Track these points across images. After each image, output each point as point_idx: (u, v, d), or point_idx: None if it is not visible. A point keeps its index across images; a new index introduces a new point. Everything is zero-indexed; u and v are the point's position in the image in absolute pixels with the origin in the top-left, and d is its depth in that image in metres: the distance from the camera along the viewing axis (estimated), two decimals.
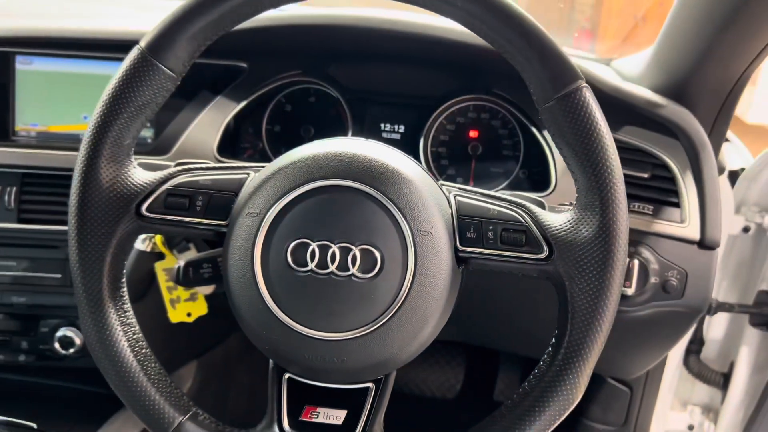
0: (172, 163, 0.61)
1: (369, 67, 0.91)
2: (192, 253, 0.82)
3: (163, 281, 0.83)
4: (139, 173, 0.58)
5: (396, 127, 0.93)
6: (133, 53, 0.55)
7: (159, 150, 0.87)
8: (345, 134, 0.92)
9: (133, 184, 0.57)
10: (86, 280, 0.56)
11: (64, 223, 0.83)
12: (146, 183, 0.57)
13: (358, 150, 0.56)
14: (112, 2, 1.22)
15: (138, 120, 0.56)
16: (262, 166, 0.59)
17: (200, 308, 0.84)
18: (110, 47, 0.90)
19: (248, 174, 0.59)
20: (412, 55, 0.89)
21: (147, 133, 0.93)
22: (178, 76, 0.56)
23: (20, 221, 0.84)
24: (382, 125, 0.94)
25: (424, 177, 0.56)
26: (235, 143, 0.94)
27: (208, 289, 0.84)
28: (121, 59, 0.89)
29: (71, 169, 0.84)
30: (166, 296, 0.84)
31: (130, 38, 0.86)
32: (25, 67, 0.92)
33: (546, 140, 0.86)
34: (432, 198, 0.55)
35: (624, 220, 0.52)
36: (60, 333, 0.86)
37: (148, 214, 0.57)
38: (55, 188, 0.85)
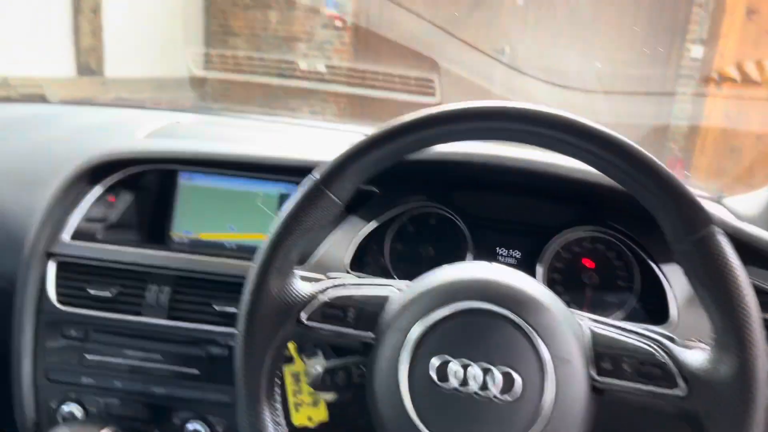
0: (323, 276, 0.69)
1: (489, 195, 0.98)
2: (320, 360, 0.88)
3: (290, 384, 0.88)
4: (300, 284, 0.66)
5: (512, 252, 0.99)
6: (308, 182, 0.65)
7: (300, 260, 0.96)
8: (463, 256, 0.98)
9: (296, 295, 0.64)
10: (247, 378, 0.62)
11: (208, 322, 0.93)
12: (306, 294, 0.65)
13: (499, 276, 0.61)
14: (255, 130, 1.39)
15: (304, 239, 0.65)
16: (405, 284, 0.66)
17: (321, 414, 0.88)
18: (258, 169, 1.03)
19: (392, 290, 0.65)
20: (532, 186, 0.96)
21: None
22: (343, 204, 0.65)
23: (169, 318, 0.93)
24: (498, 249, 0.99)
25: (560, 305, 0.60)
26: (359, 258, 1.03)
27: (330, 397, 0.88)
28: (266, 179, 1.04)
29: (217, 274, 0.95)
30: (291, 399, 0.89)
31: (275, 163, 1.00)
32: (187, 182, 1.06)
33: (664, 274, 0.88)
34: (569, 326, 0.59)
35: (764, 361, 0.53)
36: (191, 426, 0.93)
37: (307, 322, 0.64)
38: (203, 290, 0.94)
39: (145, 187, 1.04)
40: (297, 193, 0.65)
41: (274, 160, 1.00)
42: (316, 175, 0.65)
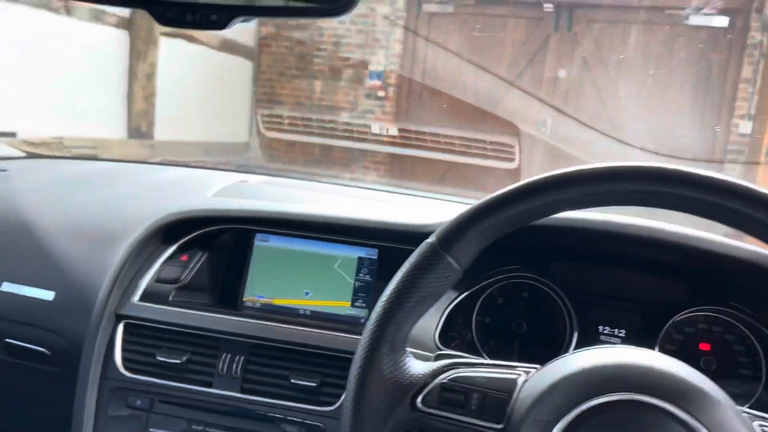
0: (432, 354, 0.62)
1: (592, 267, 0.90)
2: None
3: None
4: (413, 363, 0.58)
5: (616, 331, 0.90)
6: (425, 247, 0.58)
7: None
8: (562, 333, 0.90)
9: (410, 375, 0.57)
10: None
11: (285, 397, 0.85)
12: (421, 375, 0.57)
13: (658, 363, 0.52)
14: (323, 192, 1.35)
15: (419, 310, 0.58)
16: (533, 368, 0.58)
17: None
18: (339, 232, 0.97)
19: (519, 374, 0.57)
20: (641, 258, 0.88)
21: (361, 313, 0.96)
22: (461, 269, 0.58)
23: (243, 391, 0.86)
24: (601, 328, 0.90)
25: (729, 400, 0.51)
26: (443, 331, 0.95)
27: None
28: (345, 243, 0.98)
29: (295, 344, 0.88)
30: None
31: (358, 225, 0.95)
32: (262, 243, 1.00)
33: None
34: (743, 424, 0.49)
35: None
36: None
37: (423, 407, 0.56)
38: (279, 360, 0.87)
39: (218, 247, 0.99)
40: (412, 258, 0.59)
41: (358, 222, 0.94)
42: (433, 239, 0.59)
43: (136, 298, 0.92)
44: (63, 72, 4.43)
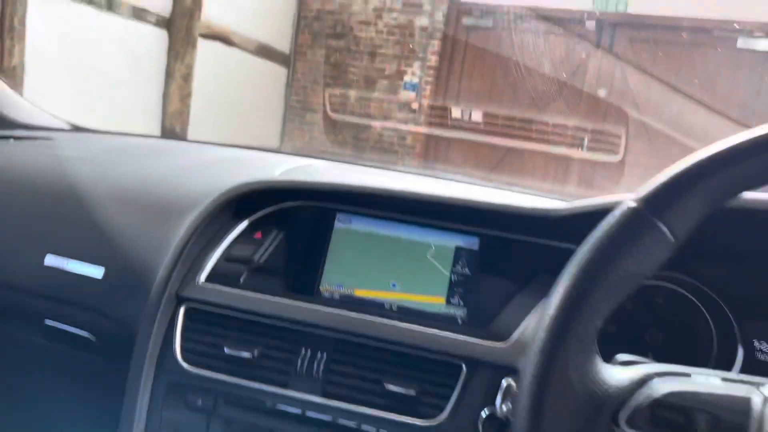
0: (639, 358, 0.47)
1: (754, 269, 0.75)
2: None
3: None
4: (605, 368, 0.43)
5: None
6: (625, 211, 0.44)
7: (490, 333, 0.74)
8: (707, 346, 0.74)
9: (604, 383, 0.42)
10: None
11: (375, 405, 0.71)
12: (624, 384, 0.42)
13: None
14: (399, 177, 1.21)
15: (616, 295, 0.43)
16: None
17: None
18: (435, 214, 0.83)
19: (754, 391, 0.42)
20: None
21: (458, 311, 0.81)
22: (677, 242, 0.44)
23: (325, 395, 0.71)
24: (756, 342, 0.75)
25: None
26: None
27: None
28: (440, 228, 0.84)
29: (386, 341, 0.73)
30: None
31: (457, 204, 0.80)
32: (344, 225, 0.87)
33: None
34: None
35: None
36: None
37: (628, 429, 0.41)
38: (369, 361, 0.73)
39: (295, 226, 0.86)
40: (605, 227, 0.44)
41: (460, 202, 0.80)
42: (632, 200, 0.44)
43: (201, 278, 0.78)
44: (101, 68, 4.39)
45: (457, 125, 4.99)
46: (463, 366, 0.71)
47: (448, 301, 0.82)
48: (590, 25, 5.40)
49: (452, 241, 0.84)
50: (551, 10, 5.35)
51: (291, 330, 0.75)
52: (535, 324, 0.71)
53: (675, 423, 0.40)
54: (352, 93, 6.43)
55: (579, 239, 0.77)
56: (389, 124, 5.95)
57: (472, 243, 0.84)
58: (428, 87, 6.26)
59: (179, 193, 0.89)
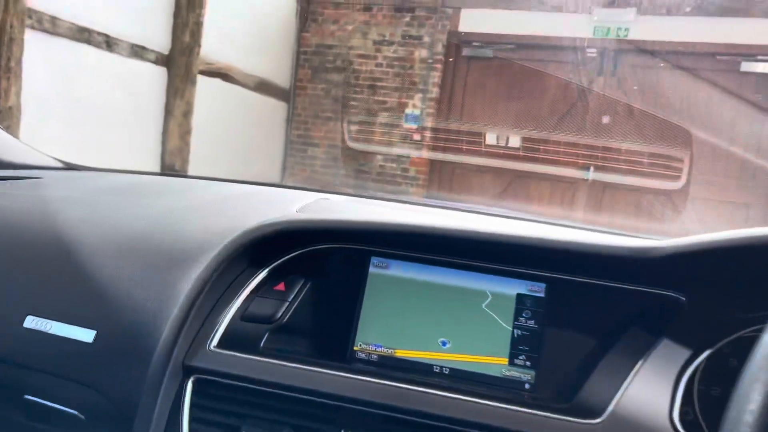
0: None
1: None
2: None
3: None
4: None
5: None
6: None
7: (574, 407, 0.59)
8: None
9: None
10: None
11: None
12: None
13: None
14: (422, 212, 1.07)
15: None
16: None
17: None
18: (490, 255, 0.69)
19: None
20: None
21: (525, 374, 0.67)
22: None
23: None
24: None
25: None
26: None
27: None
28: (500, 273, 0.70)
29: (431, 416, 0.59)
30: None
31: (520, 244, 0.67)
32: (381, 271, 0.73)
33: None
34: None
35: None
36: None
37: None
38: None
39: (323, 275, 0.72)
40: None
41: (525, 241, 0.66)
42: None
43: (213, 343, 0.64)
44: (101, 107, 4.31)
45: (491, 152, 4.87)
46: None
47: (511, 362, 0.68)
48: (591, 52, 5.36)
49: (513, 288, 0.70)
50: (551, 38, 5.31)
51: (324, 405, 0.60)
52: (643, 397, 0.57)
53: None
54: (371, 120, 6.34)
55: (677, 283, 0.64)
56: (411, 151, 5.87)
57: (537, 289, 0.70)
58: (429, 118, 6.19)
59: (185, 237, 0.76)
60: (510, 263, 0.69)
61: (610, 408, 0.56)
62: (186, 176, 1.41)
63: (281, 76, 6.36)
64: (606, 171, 4.65)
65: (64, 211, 0.85)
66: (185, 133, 5.27)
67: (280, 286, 0.69)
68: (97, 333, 0.68)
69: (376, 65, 6.33)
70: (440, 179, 6.05)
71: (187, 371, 0.63)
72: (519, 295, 0.70)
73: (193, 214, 0.84)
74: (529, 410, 0.58)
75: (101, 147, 4.24)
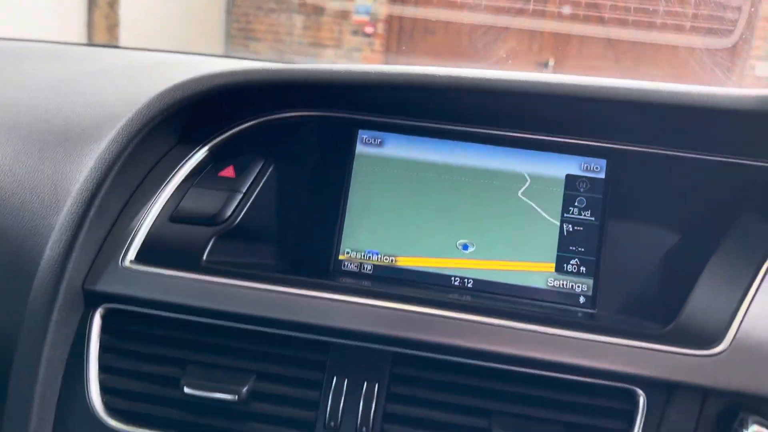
0: None
1: None
2: None
3: None
4: None
5: None
6: None
7: (672, 332, 0.40)
8: None
9: None
10: None
11: None
12: None
13: None
14: None
15: None
16: None
17: None
18: (541, 123, 0.48)
19: None
20: None
21: (581, 284, 0.48)
22: None
23: None
24: None
25: None
26: None
27: None
28: (556, 148, 0.48)
29: (449, 349, 0.40)
30: None
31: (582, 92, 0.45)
32: (371, 150, 0.51)
33: None
34: None
35: None
36: None
37: None
38: (454, 392, 0.39)
39: (289, 155, 0.49)
40: None
41: (592, 92, 0.45)
42: None
43: (129, 256, 0.42)
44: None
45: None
46: (640, 394, 0.38)
47: (560, 268, 0.49)
48: None
49: (560, 167, 0.50)
50: None
51: (301, 341, 0.40)
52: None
53: None
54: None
55: None
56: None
57: (595, 168, 0.50)
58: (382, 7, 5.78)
59: (86, 109, 0.52)
60: (556, 131, 0.48)
61: (732, 332, 0.38)
62: (91, 45, 1.12)
63: None
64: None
65: None
66: (113, 26, 4.77)
67: (228, 171, 0.46)
68: None
69: None
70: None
71: (91, 299, 0.41)
72: (569, 177, 0.50)
73: (103, 80, 0.60)
74: (592, 335, 0.39)
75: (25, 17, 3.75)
